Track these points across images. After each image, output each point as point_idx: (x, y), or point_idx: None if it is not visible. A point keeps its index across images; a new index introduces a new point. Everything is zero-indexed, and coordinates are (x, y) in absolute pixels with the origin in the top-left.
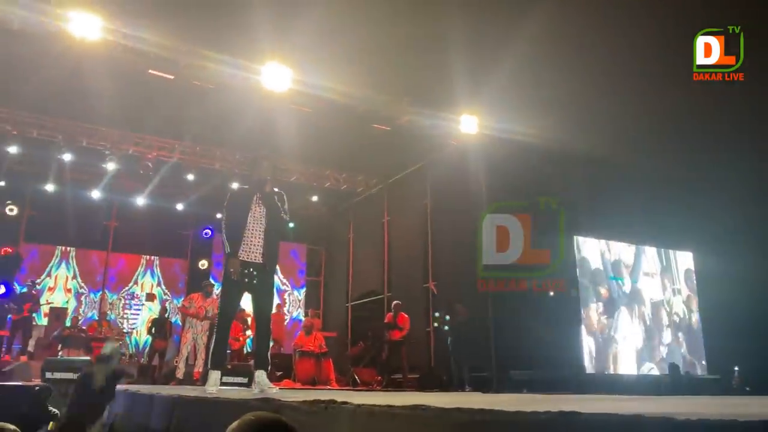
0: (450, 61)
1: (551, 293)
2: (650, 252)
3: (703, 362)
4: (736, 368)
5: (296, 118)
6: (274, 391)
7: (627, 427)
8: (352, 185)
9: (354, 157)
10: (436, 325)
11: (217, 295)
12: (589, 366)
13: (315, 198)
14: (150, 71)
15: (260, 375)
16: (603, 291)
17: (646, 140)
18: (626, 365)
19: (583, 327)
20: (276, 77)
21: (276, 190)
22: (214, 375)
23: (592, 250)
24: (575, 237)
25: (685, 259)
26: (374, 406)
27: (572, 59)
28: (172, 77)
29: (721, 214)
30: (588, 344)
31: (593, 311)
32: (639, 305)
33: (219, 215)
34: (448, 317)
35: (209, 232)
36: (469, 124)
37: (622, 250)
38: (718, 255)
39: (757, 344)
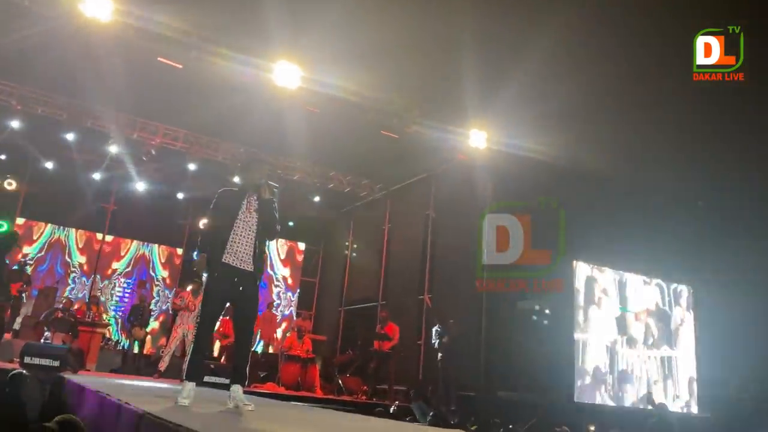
0: (461, 75)
1: (547, 311)
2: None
3: (695, 400)
4: None
5: (304, 117)
6: (249, 408)
7: None
8: (355, 189)
9: (360, 161)
10: (434, 341)
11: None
12: (584, 391)
13: (317, 198)
14: (159, 59)
15: (237, 390)
16: (600, 316)
17: (652, 158)
18: (621, 397)
19: (577, 351)
20: (286, 75)
21: (272, 198)
22: (188, 386)
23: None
24: (574, 261)
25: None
26: None
27: (582, 74)
28: (180, 66)
29: (723, 250)
30: (584, 370)
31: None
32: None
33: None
34: (440, 337)
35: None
36: (478, 139)
37: (623, 279)
38: (717, 291)
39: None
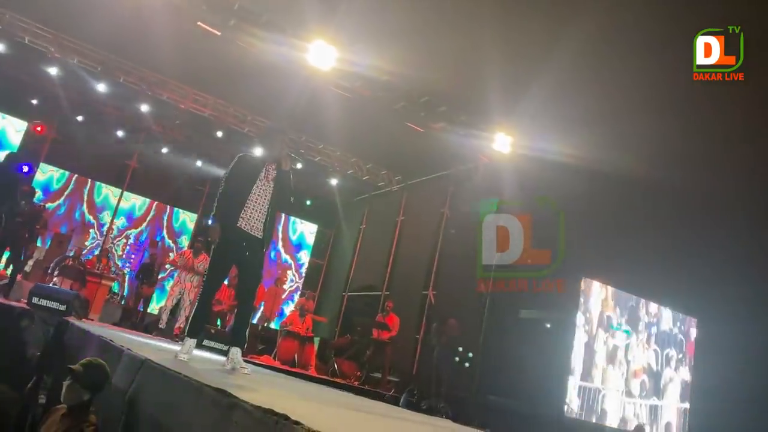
0: (490, 78)
1: (548, 325)
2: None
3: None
4: None
5: (333, 100)
6: (245, 371)
7: None
8: (374, 177)
9: (382, 150)
10: (433, 338)
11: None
12: (574, 408)
13: (335, 182)
14: (198, 23)
15: (236, 353)
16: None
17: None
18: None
19: (573, 366)
20: (322, 55)
21: (290, 170)
22: (189, 342)
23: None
24: (582, 278)
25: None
26: None
27: (607, 77)
28: (219, 33)
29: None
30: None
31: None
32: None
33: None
34: (438, 335)
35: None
36: (503, 143)
37: (628, 301)
38: (722, 326)
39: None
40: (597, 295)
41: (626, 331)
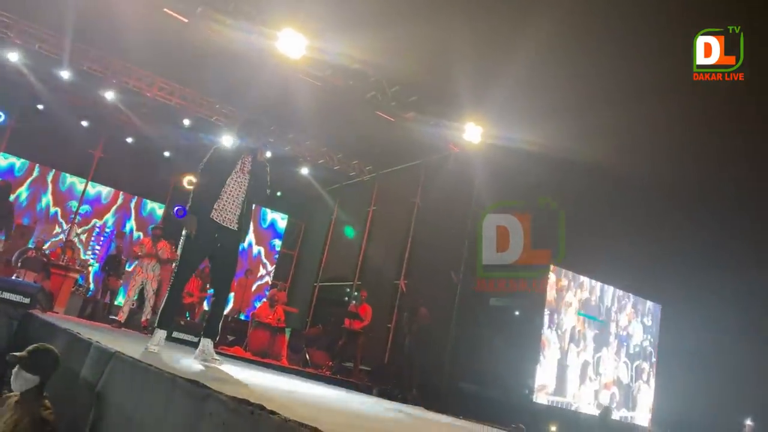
0: (459, 68)
1: (516, 312)
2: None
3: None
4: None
5: (304, 89)
6: (217, 364)
7: None
8: (345, 167)
9: (353, 140)
10: (404, 327)
11: (169, 241)
12: (544, 393)
13: (305, 171)
14: (165, 9)
15: (207, 344)
16: (570, 325)
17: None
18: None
19: (542, 355)
20: (291, 43)
21: (265, 161)
22: (159, 334)
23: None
24: (551, 265)
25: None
26: (302, 425)
27: (579, 70)
28: (186, 20)
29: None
30: (547, 372)
31: (554, 341)
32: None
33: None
34: (409, 324)
35: (182, 211)
36: (473, 133)
37: (595, 289)
38: (686, 312)
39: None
40: (565, 310)
41: (593, 318)
